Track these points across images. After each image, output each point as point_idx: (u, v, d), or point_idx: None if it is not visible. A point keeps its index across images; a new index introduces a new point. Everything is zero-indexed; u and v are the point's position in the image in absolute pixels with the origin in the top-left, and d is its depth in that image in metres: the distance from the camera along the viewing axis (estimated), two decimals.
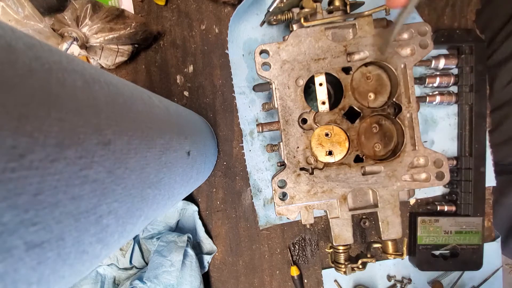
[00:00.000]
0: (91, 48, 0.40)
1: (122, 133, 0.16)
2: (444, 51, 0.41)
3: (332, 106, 0.32)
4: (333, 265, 0.37)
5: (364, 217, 0.44)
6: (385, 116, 0.32)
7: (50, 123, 0.11)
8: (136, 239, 0.46)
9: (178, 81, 0.46)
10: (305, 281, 0.46)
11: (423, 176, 0.31)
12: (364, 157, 0.32)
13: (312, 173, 0.31)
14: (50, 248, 0.11)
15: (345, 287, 0.45)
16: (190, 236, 0.44)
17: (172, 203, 0.27)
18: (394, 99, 0.31)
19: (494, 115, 0.41)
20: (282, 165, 0.33)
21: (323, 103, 0.31)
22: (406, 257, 0.33)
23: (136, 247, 0.46)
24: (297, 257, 0.46)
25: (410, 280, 0.44)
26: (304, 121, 0.31)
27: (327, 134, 0.31)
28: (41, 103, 0.11)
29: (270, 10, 0.37)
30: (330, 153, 0.31)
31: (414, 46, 0.30)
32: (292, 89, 0.31)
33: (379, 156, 0.33)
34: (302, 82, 0.31)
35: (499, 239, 0.43)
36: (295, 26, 0.32)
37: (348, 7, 0.32)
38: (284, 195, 0.32)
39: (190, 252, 0.42)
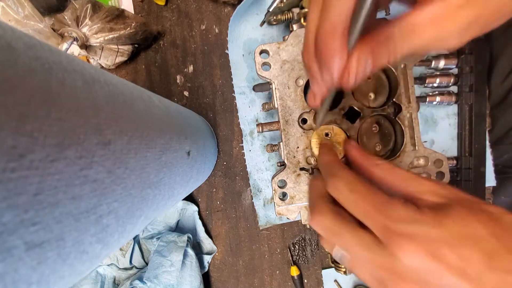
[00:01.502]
0: (91, 48, 0.40)
1: (122, 133, 0.16)
2: (444, 51, 0.41)
3: (332, 106, 0.32)
4: (333, 265, 0.37)
5: None
6: (385, 116, 0.32)
7: (50, 123, 0.11)
8: (136, 239, 0.46)
9: (178, 81, 0.46)
10: (305, 281, 0.46)
11: (423, 176, 0.31)
12: None
13: (312, 173, 0.31)
14: (50, 248, 0.11)
15: (345, 287, 0.45)
16: (190, 236, 0.44)
17: (172, 203, 0.27)
18: (394, 99, 0.31)
19: (491, 114, 0.41)
20: (282, 165, 0.33)
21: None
22: None
23: (136, 247, 0.46)
24: (297, 257, 0.46)
25: None
26: (304, 121, 0.31)
27: (327, 134, 0.31)
28: (41, 103, 0.11)
29: (270, 10, 0.37)
30: None
31: None
32: (292, 89, 0.31)
33: (380, 156, 0.33)
34: (302, 82, 0.31)
35: None
36: (295, 26, 0.32)
37: None
38: (284, 195, 0.32)
39: (190, 252, 0.42)
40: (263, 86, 0.38)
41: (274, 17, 0.37)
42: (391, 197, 0.19)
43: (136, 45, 0.43)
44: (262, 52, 0.31)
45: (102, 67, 0.43)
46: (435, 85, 0.40)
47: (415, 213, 0.17)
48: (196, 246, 0.45)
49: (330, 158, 0.25)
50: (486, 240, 0.16)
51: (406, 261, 0.16)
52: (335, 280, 0.45)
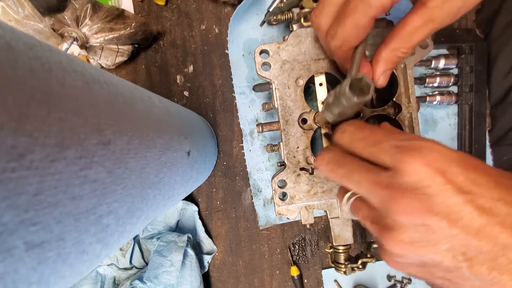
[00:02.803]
0: (91, 48, 0.40)
1: (122, 133, 0.16)
2: (444, 51, 0.41)
3: None
4: (333, 265, 0.37)
5: None
6: (385, 116, 0.32)
7: (50, 123, 0.11)
8: (136, 239, 0.46)
9: (178, 81, 0.46)
10: (305, 281, 0.46)
11: None
12: None
13: (312, 173, 0.31)
14: (50, 248, 0.11)
15: (345, 287, 0.45)
16: (190, 236, 0.44)
17: (172, 203, 0.27)
18: (394, 99, 0.31)
19: (491, 114, 0.41)
20: (282, 165, 0.33)
21: (323, 103, 0.31)
22: None
23: (136, 247, 0.46)
24: (297, 257, 0.46)
25: (410, 280, 0.44)
26: (304, 121, 0.31)
27: (327, 134, 0.31)
28: (41, 103, 0.11)
29: (270, 10, 0.37)
30: None
31: None
32: (292, 89, 0.31)
33: None
34: (302, 82, 0.31)
35: None
36: (295, 26, 0.32)
37: None
38: (284, 195, 0.32)
39: (190, 252, 0.42)
40: (263, 86, 0.38)
41: (274, 17, 0.37)
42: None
43: (136, 45, 0.43)
44: (262, 52, 0.31)
45: (102, 67, 0.43)
46: (435, 85, 0.40)
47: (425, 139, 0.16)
48: (196, 246, 0.45)
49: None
50: (503, 175, 0.15)
51: (411, 173, 0.15)
52: (335, 280, 0.45)
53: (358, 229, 0.44)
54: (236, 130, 0.45)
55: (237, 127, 0.45)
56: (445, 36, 0.40)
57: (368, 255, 0.36)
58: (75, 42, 0.37)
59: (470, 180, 0.15)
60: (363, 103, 0.20)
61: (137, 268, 0.46)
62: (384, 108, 0.31)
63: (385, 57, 0.23)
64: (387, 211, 0.16)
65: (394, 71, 0.30)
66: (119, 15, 0.40)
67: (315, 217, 0.41)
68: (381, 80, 0.24)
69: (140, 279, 0.40)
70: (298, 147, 0.31)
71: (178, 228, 0.47)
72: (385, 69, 0.24)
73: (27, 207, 0.10)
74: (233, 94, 0.44)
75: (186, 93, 0.46)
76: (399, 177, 0.16)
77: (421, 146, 0.16)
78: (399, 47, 0.21)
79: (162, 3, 0.44)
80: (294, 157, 0.31)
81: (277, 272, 0.46)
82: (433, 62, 0.39)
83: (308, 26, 0.31)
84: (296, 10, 0.34)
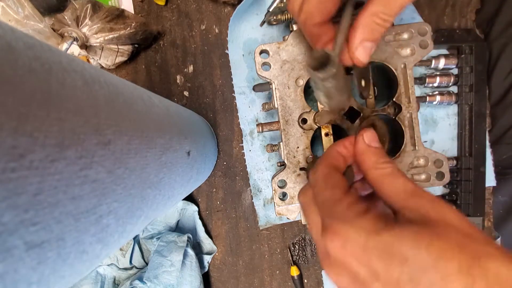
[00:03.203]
0: (91, 48, 0.40)
1: (122, 133, 0.16)
2: (444, 51, 0.41)
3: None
4: None
5: None
6: (385, 116, 0.32)
7: (50, 123, 0.11)
8: (136, 239, 0.46)
9: (178, 81, 0.46)
10: (305, 281, 0.46)
11: (423, 176, 0.31)
12: None
13: None
14: (50, 248, 0.11)
15: None
16: (190, 236, 0.44)
17: (172, 203, 0.27)
18: (394, 99, 0.31)
19: (491, 113, 0.41)
20: (282, 165, 0.33)
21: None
22: None
23: (136, 247, 0.46)
24: (297, 257, 0.46)
25: None
26: (304, 121, 0.31)
27: (327, 134, 0.31)
28: (41, 103, 0.11)
29: (270, 10, 0.37)
30: None
31: (414, 46, 0.30)
32: (292, 89, 0.31)
33: None
34: (302, 82, 0.31)
35: (499, 239, 0.43)
36: (295, 26, 0.32)
37: None
38: (284, 195, 0.32)
39: (190, 252, 0.42)
40: (263, 86, 0.38)
41: (274, 17, 0.37)
42: (346, 195, 0.20)
43: (136, 45, 0.43)
44: (262, 52, 0.31)
45: (102, 67, 0.43)
46: (435, 85, 0.40)
47: (355, 216, 0.18)
48: (196, 246, 0.45)
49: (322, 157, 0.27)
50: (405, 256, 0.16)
51: (330, 249, 0.19)
52: None
53: None
54: (236, 130, 0.45)
55: (237, 127, 0.45)
56: (445, 36, 0.40)
57: None
58: (75, 42, 0.37)
59: (370, 270, 0.17)
60: (329, 76, 0.20)
61: (137, 268, 0.46)
62: (384, 108, 0.31)
63: (362, 23, 0.20)
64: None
65: (394, 71, 0.30)
66: (119, 15, 0.40)
67: None
68: (359, 53, 0.22)
69: (140, 279, 0.40)
70: (298, 147, 0.31)
71: (178, 228, 0.47)
72: (363, 37, 0.21)
73: (27, 207, 0.10)
74: (233, 94, 0.44)
75: (186, 93, 0.46)
76: (325, 247, 0.19)
77: (339, 231, 0.18)
78: (378, 11, 0.20)
79: (162, 3, 0.44)
80: (294, 157, 0.31)
81: (277, 272, 0.46)
82: (433, 62, 0.39)
83: None
84: None
